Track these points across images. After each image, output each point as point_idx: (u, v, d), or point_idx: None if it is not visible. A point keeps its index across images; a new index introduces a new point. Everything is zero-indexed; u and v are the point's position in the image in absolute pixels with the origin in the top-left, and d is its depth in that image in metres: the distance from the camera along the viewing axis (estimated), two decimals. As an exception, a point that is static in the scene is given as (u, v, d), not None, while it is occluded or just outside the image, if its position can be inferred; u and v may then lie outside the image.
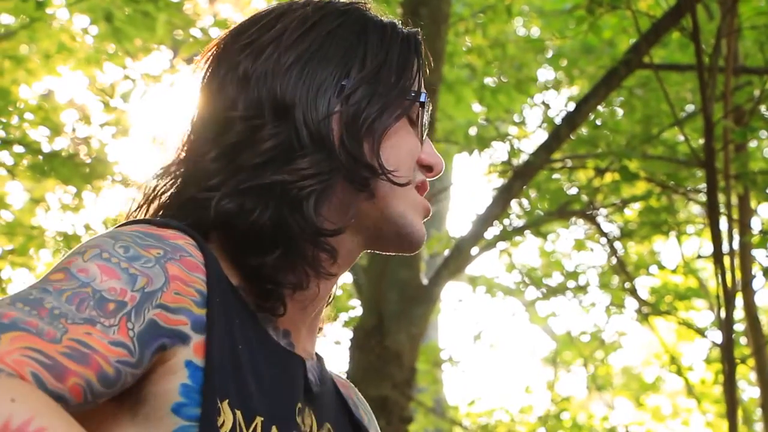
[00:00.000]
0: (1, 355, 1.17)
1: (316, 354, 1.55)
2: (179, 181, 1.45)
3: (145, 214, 1.46)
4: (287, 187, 1.38)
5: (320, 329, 1.56)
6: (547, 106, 8.54)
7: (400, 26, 1.54)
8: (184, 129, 1.48)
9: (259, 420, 1.33)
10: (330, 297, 1.54)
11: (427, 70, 1.54)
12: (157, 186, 1.46)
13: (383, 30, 1.51)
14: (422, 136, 1.50)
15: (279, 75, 1.44)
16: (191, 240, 1.37)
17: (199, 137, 1.45)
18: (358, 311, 6.37)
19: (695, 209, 8.68)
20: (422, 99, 1.49)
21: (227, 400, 1.30)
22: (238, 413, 1.31)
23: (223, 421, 1.29)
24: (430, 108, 1.53)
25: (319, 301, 1.47)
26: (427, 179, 1.52)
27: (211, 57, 1.51)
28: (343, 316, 7.92)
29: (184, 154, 1.46)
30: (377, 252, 1.53)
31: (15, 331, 1.20)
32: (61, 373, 1.20)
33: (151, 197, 1.46)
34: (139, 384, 1.29)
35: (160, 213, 1.46)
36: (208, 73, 1.50)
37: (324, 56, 1.45)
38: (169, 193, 1.45)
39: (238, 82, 1.45)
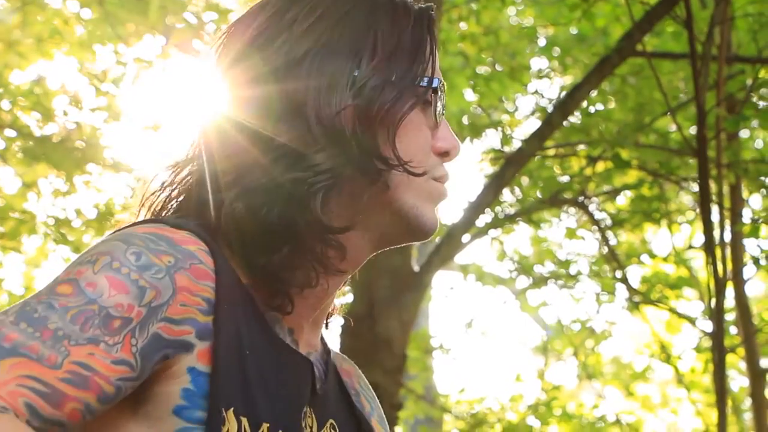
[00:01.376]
0: None
1: (322, 341, 1.54)
2: (191, 178, 1.44)
3: (155, 211, 1.45)
4: (298, 184, 1.36)
5: (327, 323, 1.55)
6: (540, 95, 8.53)
7: (411, 2, 1.49)
8: (196, 123, 1.46)
9: (265, 426, 1.33)
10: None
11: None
12: (166, 181, 1.45)
13: (394, 11, 1.46)
14: (438, 121, 1.46)
15: (290, 71, 1.40)
16: (203, 245, 1.36)
17: (212, 134, 1.43)
18: (349, 297, 6.36)
19: (686, 199, 8.69)
20: (435, 84, 1.45)
21: (233, 408, 1.31)
22: (244, 420, 1.32)
23: (228, 430, 1.30)
24: (445, 90, 1.49)
25: (326, 298, 1.47)
26: (444, 164, 1.48)
27: (221, 48, 1.47)
28: (335, 302, 7.91)
29: (196, 149, 1.45)
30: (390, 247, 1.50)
31: (15, 357, 1.21)
32: (59, 400, 1.21)
33: (161, 193, 1.45)
34: (143, 384, 1.31)
35: (171, 211, 1.45)
36: (218, 67, 1.46)
37: (335, 47, 1.41)
38: (179, 190, 1.45)
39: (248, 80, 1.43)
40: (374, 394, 1.65)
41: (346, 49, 1.41)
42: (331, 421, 1.46)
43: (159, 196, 1.45)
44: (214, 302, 1.33)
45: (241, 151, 1.39)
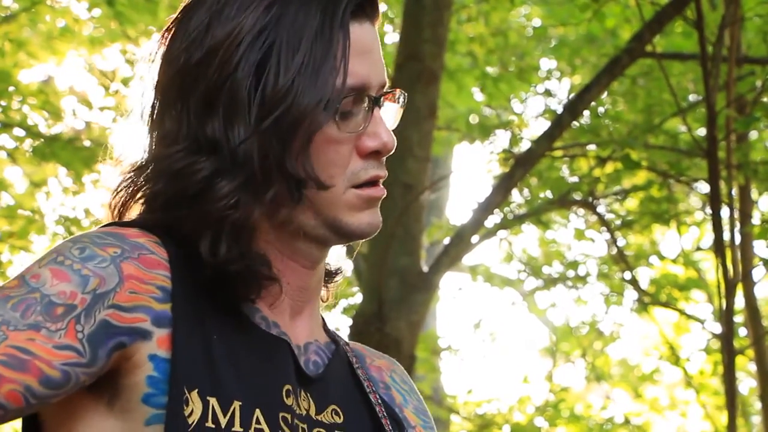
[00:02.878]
0: None
1: (332, 336, 1.54)
2: (146, 187, 1.42)
3: (118, 212, 1.45)
4: (213, 217, 1.36)
5: (327, 300, 1.55)
6: (550, 94, 8.52)
7: None
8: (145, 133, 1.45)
9: (237, 404, 1.34)
10: (334, 279, 1.54)
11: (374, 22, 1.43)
12: (125, 182, 1.44)
13: (296, 12, 1.38)
14: (364, 124, 1.41)
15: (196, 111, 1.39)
16: (155, 238, 1.37)
17: (154, 157, 1.42)
18: (358, 298, 6.37)
19: (694, 201, 8.68)
20: (343, 87, 1.38)
21: (196, 390, 1.31)
22: (212, 400, 1.32)
23: (192, 410, 1.31)
24: (370, 89, 1.42)
25: (304, 289, 1.46)
26: (378, 162, 1.43)
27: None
28: (343, 303, 7.92)
29: (148, 160, 1.43)
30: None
31: None
32: None
33: (123, 202, 1.44)
34: (113, 378, 1.32)
35: (137, 215, 1.44)
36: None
37: (234, 76, 1.37)
38: (141, 195, 1.43)
39: (172, 114, 1.41)
40: (412, 387, 1.63)
41: (245, 74, 1.37)
42: (333, 406, 1.45)
43: (119, 197, 1.44)
44: (170, 290, 1.34)
45: (170, 179, 1.39)
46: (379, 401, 1.52)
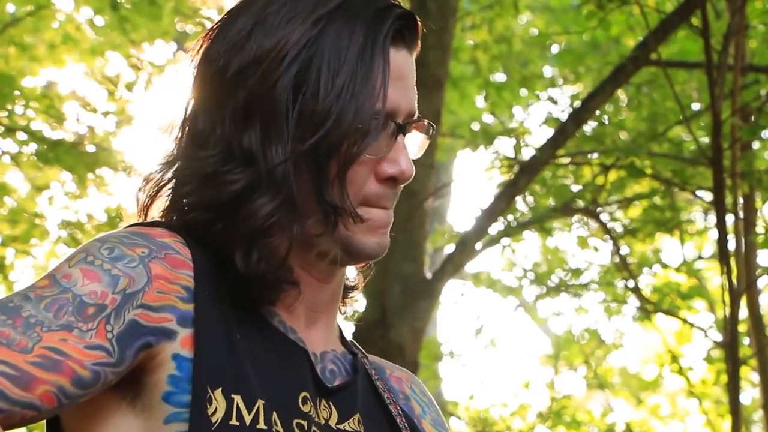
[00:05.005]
0: None
1: (351, 347, 1.54)
2: (173, 186, 1.44)
3: (146, 214, 1.46)
4: (249, 233, 1.36)
5: (344, 314, 1.55)
6: (554, 101, 8.52)
7: (366, 4, 1.40)
8: (176, 133, 1.46)
9: (260, 403, 1.34)
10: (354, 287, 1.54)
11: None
12: (153, 182, 1.45)
13: (341, 21, 1.38)
14: (388, 149, 1.41)
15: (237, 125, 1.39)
16: (179, 238, 1.38)
17: (183, 155, 1.43)
18: (361, 305, 6.37)
19: (697, 210, 8.67)
20: (384, 117, 1.38)
21: (220, 388, 1.32)
22: (237, 398, 1.32)
23: (216, 409, 1.31)
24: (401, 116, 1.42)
25: (318, 302, 1.46)
26: (393, 190, 1.43)
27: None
28: (347, 309, 7.89)
29: (177, 156, 1.44)
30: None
31: None
32: (28, 383, 1.23)
33: (150, 197, 1.45)
34: (136, 376, 1.32)
35: (159, 215, 1.46)
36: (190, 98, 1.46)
37: (275, 89, 1.38)
38: (167, 195, 1.44)
39: (206, 115, 1.42)
40: (431, 400, 1.63)
41: (286, 79, 1.37)
42: (357, 415, 1.45)
43: (147, 191, 1.45)
44: (193, 290, 1.35)
45: (201, 183, 1.40)
46: (400, 412, 1.52)
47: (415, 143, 1.47)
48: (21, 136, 7.22)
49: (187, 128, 1.43)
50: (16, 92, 7.08)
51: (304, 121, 1.36)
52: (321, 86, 1.36)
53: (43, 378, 1.25)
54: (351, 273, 1.55)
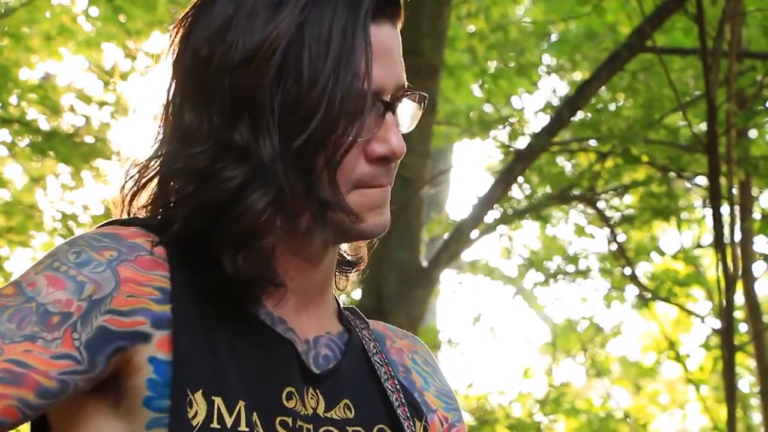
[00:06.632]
0: None
1: (349, 323, 1.51)
2: (155, 180, 1.39)
3: (124, 209, 1.42)
4: (240, 230, 1.33)
5: (345, 288, 1.53)
6: (552, 90, 8.52)
7: None
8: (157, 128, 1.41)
9: (242, 404, 1.32)
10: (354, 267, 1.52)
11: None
12: (132, 177, 1.41)
13: (322, 16, 1.34)
14: (376, 128, 1.37)
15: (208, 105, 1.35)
16: (154, 237, 1.35)
17: (169, 149, 1.38)
18: (357, 293, 6.36)
19: (694, 198, 8.67)
20: (369, 97, 1.34)
21: (201, 390, 1.30)
22: (218, 400, 1.31)
23: (196, 412, 1.29)
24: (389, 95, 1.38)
25: (309, 286, 1.43)
26: (386, 168, 1.39)
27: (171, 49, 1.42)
28: (342, 298, 7.89)
29: (162, 148, 1.39)
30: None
31: None
32: None
33: (131, 193, 1.41)
34: (116, 380, 1.30)
35: (139, 210, 1.41)
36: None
37: (264, 83, 1.33)
38: (148, 191, 1.40)
39: (192, 108, 1.37)
40: (435, 368, 1.58)
41: (274, 72, 1.33)
42: (345, 401, 1.42)
43: (129, 187, 1.41)
44: (169, 291, 1.32)
45: (187, 179, 1.35)
46: (397, 387, 1.48)
47: (407, 114, 1.43)
48: (16, 127, 7.21)
49: (171, 119, 1.38)
50: (14, 85, 7.07)
51: (292, 113, 1.32)
52: (305, 77, 1.32)
53: (4, 393, 1.23)
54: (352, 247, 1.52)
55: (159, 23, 7.74)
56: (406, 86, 1.41)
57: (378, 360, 1.50)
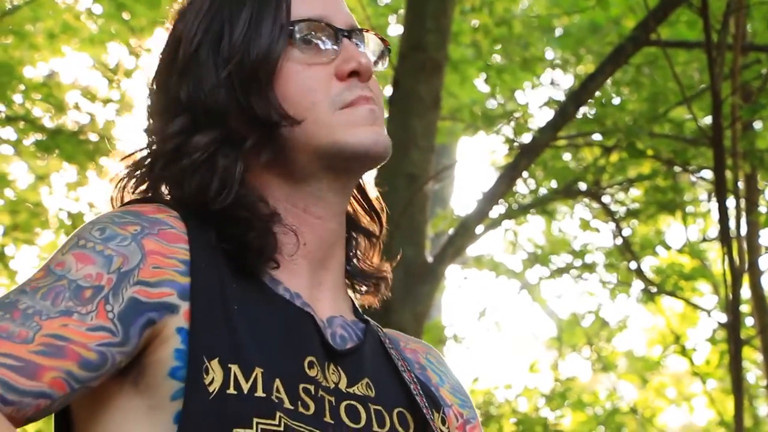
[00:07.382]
0: None
1: (361, 317, 1.55)
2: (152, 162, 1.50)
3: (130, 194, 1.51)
4: (191, 167, 1.42)
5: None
6: (556, 84, 8.50)
7: None
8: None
9: (258, 371, 1.34)
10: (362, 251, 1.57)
11: None
12: (137, 164, 1.51)
13: None
14: (334, 48, 1.47)
15: (174, 75, 1.49)
16: (173, 212, 1.40)
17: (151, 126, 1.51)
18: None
19: (700, 190, 8.65)
20: (295, 18, 1.46)
21: (217, 358, 1.32)
22: (234, 367, 1.33)
23: (213, 378, 1.31)
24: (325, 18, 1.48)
25: (322, 244, 1.47)
26: (361, 84, 1.47)
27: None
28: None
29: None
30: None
31: None
32: (34, 372, 1.25)
33: (131, 178, 1.50)
34: (138, 357, 1.33)
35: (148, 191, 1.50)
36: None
37: (199, 48, 1.48)
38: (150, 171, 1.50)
39: (159, 90, 1.51)
40: (449, 369, 1.64)
41: (204, 35, 1.48)
42: (366, 380, 1.46)
43: (131, 180, 1.50)
44: (189, 262, 1.36)
45: (160, 146, 1.48)
46: (414, 380, 1.52)
47: (374, 48, 1.53)
48: (21, 125, 7.22)
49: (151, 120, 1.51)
50: (18, 83, 7.07)
51: (226, 57, 1.45)
52: (232, 26, 1.46)
53: (49, 365, 1.26)
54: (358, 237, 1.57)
55: (162, 20, 7.73)
56: (361, 29, 1.51)
57: (394, 354, 1.53)
